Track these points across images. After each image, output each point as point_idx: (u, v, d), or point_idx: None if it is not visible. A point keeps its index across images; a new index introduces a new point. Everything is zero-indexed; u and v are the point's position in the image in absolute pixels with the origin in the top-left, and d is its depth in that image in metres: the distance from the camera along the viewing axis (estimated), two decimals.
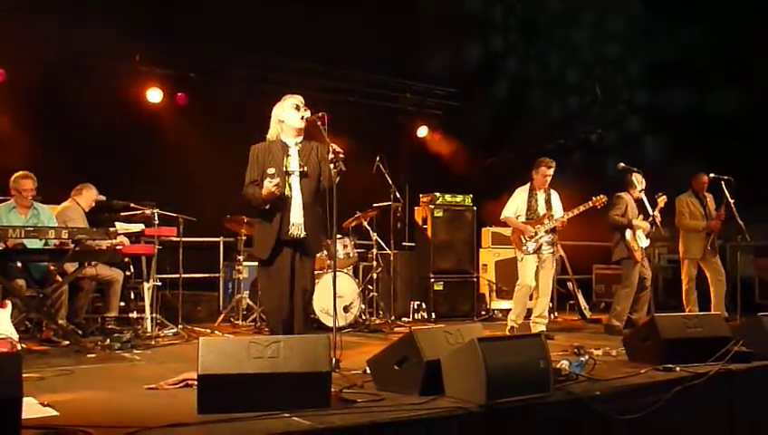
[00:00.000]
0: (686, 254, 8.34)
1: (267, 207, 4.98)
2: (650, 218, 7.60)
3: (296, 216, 5.03)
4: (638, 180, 7.76)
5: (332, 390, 3.69)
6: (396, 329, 7.90)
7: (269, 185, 4.84)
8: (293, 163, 5.07)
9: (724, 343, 4.91)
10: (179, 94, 9.57)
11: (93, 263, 6.60)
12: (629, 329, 7.28)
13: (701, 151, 10.64)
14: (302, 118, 5.04)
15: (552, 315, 9.11)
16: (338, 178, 4.83)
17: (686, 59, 11.73)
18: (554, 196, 7.41)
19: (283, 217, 4.99)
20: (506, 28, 13.43)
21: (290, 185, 5.01)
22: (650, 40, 12.54)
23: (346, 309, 7.69)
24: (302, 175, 5.07)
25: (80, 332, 6.66)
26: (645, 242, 7.73)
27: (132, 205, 7.46)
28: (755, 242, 9.56)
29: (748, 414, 4.74)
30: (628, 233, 7.65)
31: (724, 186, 7.90)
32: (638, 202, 7.70)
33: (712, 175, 8.06)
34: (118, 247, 6.61)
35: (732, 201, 7.86)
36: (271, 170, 4.87)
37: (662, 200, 7.66)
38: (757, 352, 5.01)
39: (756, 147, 10.86)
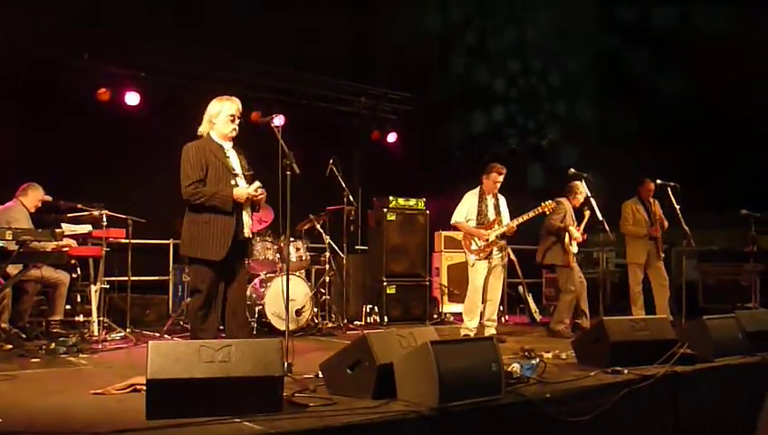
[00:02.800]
0: (632, 259, 8.52)
1: (230, 208, 4.91)
2: (600, 225, 7.74)
3: (247, 216, 5.05)
4: (581, 188, 7.94)
5: (284, 394, 3.66)
6: (348, 332, 7.89)
7: (250, 190, 4.90)
8: (236, 165, 5.07)
9: (670, 346, 5.04)
10: (129, 93, 9.38)
11: (38, 265, 6.44)
12: (576, 333, 7.50)
13: (648, 157, 10.93)
14: (234, 130, 5.04)
15: (502, 319, 9.22)
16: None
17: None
18: (502, 201, 7.49)
19: (237, 217, 4.95)
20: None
21: (237, 186, 4.98)
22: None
23: (298, 313, 7.64)
24: (246, 177, 5.08)
25: (23, 335, 6.51)
26: (575, 249, 7.96)
27: (80, 206, 7.29)
28: (700, 247, 9.81)
29: (693, 415, 4.85)
30: (566, 237, 7.82)
31: (670, 192, 8.08)
32: (587, 208, 7.85)
33: (658, 181, 8.25)
34: (64, 249, 6.46)
35: (677, 207, 8.04)
36: (257, 183, 4.93)
37: (587, 214, 7.86)
38: (701, 354, 5.14)
39: (700, 153, 11.18)
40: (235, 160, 5.09)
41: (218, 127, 5.05)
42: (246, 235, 5.05)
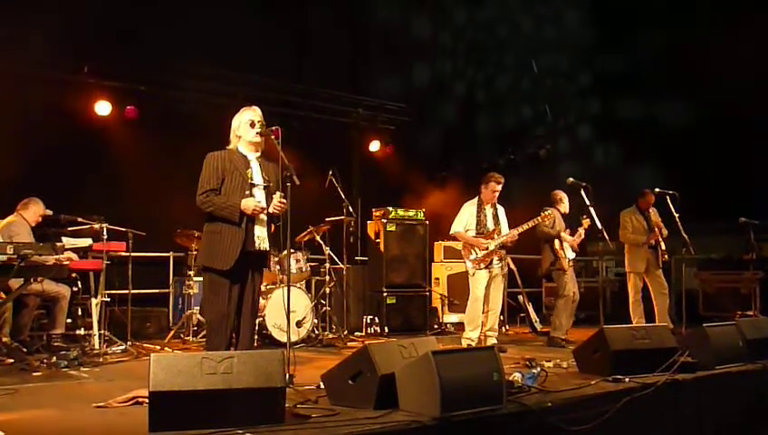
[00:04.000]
0: (631, 267, 8.53)
1: (237, 219, 4.88)
2: (600, 234, 7.76)
3: (260, 228, 5.00)
4: (562, 195, 8.15)
5: (286, 405, 3.67)
6: (349, 343, 7.88)
7: (269, 203, 4.92)
8: (257, 176, 5.05)
9: (670, 354, 5.05)
10: (129, 107, 9.42)
11: (39, 279, 6.44)
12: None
13: (647, 164, 10.98)
14: (258, 134, 5.02)
15: (502, 328, 9.23)
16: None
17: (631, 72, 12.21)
18: (501, 211, 7.51)
19: (248, 228, 4.92)
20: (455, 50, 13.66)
21: (254, 196, 4.97)
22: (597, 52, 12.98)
23: (299, 324, 7.63)
24: (266, 189, 5.06)
25: (24, 349, 6.49)
26: (571, 254, 8.01)
27: (80, 219, 7.27)
28: (699, 255, 9.82)
29: (695, 423, 4.85)
30: (557, 243, 7.90)
31: (669, 200, 8.10)
32: (586, 215, 7.88)
33: (657, 190, 8.27)
34: (65, 263, 6.45)
35: (676, 215, 8.06)
36: (279, 194, 4.92)
37: (586, 223, 7.88)
38: (702, 362, 5.15)
39: (699, 161, 11.23)
40: (256, 171, 5.06)
41: (243, 137, 5.05)
42: (258, 247, 4.98)
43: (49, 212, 7.15)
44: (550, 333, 7.99)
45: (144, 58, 9.36)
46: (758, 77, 10.73)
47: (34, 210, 7.04)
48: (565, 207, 8.17)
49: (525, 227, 7.41)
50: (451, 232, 7.54)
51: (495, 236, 7.26)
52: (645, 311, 8.41)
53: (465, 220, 7.41)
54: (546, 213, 7.56)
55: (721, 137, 11.28)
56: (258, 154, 5.13)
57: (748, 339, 5.64)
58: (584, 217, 7.88)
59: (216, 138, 5.26)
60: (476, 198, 7.47)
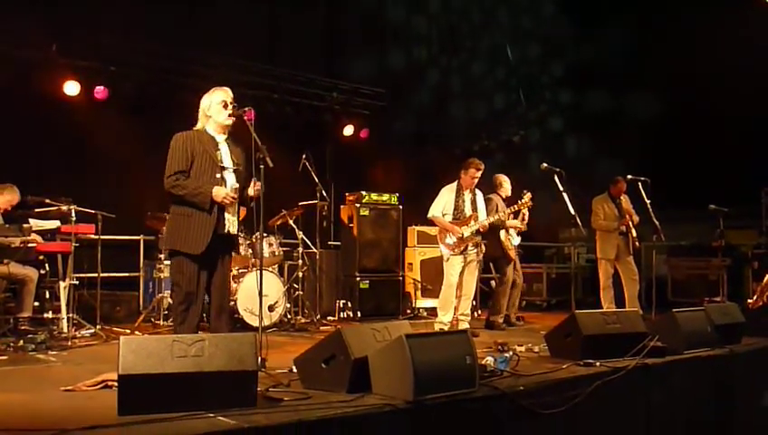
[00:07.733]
0: (602, 254, 8.59)
1: (208, 207, 4.83)
2: (572, 220, 7.79)
3: (230, 211, 4.96)
4: (503, 180, 8.17)
5: (258, 389, 3.64)
6: (321, 328, 7.88)
7: (229, 192, 4.84)
8: (226, 158, 4.99)
9: (640, 339, 5.10)
10: (98, 87, 9.25)
11: (6, 261, 6.32)
12: (506, 325, 8.04)
13: (618, 152, 11.06)
14: (230, 116, 4.95)
15: (475, 313, 9.27)
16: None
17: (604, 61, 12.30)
18: (479, 197, 7.53)
19: (219, 211, 4.87)
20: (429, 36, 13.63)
21: (224, 180, 4.92)
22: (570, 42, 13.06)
23: (271, 308, 7.59)
24: (235, 172, 5.01)
25: None
26: (516, 241, 8.13)
27: (48, 201, 7.14)
28: (669, 242, 9.93)
29: (664, 406, 4.92)
30: (502, 233, 7.99)
31: (640, 187, 8.16)
32: (528, 191, 7.92)
33: (629, 177, 8.32)
34: (32, 245, 6.35)
35: (648, 202, 8.12)
36: (236, 185, 4.88)
37: (527, 197, 7.81)
38: (672, 346, 5.22)
39: (670, 149, 11.33)
40: (226, 154, 5.00)
41: (214, 117, 4.98)
42: (227, 230, 4.95)
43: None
44: (489, 316, 8.14)
45: (114, 38, 9.19)
46: (728, 69, 10.87)
47: (8, 199, 6.87)
48: (506, 190, 8.18)
49: (502, 214, 7.53)
50: (428, 216, 7.53)
51: (472, 223, 7.27)
52: (615, 296, 8.50)
53: (442, 205, 7.41)
54: (524, 201, 7.64)
55: (690, 125, 11.40)
56: (226, 136, 5.06)
57: (716, 324, 5.73)
58: (525, 192, 7.84)
59: (187, 119, 5.17)
60: (456, 182, 7.46)
